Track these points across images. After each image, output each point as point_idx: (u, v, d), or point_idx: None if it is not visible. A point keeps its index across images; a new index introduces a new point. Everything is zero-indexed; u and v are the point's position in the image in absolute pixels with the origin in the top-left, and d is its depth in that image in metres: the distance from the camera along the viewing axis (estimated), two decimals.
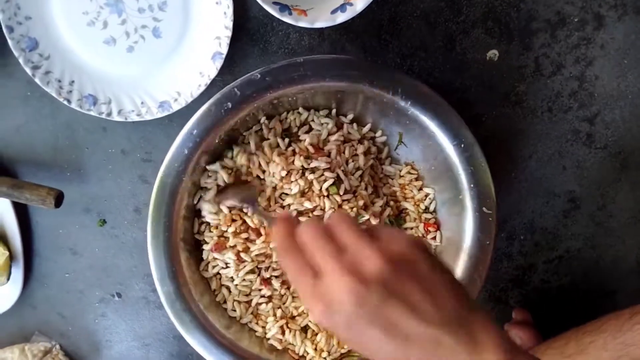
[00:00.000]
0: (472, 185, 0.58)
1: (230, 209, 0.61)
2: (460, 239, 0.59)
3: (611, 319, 0.59)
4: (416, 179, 0.66)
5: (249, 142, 0.62)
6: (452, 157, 0.59)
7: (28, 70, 0.63)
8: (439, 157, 0.60)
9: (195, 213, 0.63)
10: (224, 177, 0.60)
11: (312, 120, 0.63)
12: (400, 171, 0.66)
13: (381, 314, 0.34)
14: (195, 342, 0.60)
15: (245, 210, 0.61)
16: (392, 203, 0.66)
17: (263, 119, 0.62)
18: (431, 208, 0.66)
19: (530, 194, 0.71)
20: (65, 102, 0.64)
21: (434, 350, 0.34)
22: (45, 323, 0.79)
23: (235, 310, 0.64)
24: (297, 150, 0.61)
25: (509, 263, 0.74)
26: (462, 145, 0.58)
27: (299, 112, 0.63)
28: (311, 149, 0.61)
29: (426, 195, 0.66)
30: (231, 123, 0.58)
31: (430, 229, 0.64)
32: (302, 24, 0.57)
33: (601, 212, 0.72)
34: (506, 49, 0.65)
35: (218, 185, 0.61)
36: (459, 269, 0.58)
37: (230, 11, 0.61)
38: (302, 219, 0.61)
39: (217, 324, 0.62)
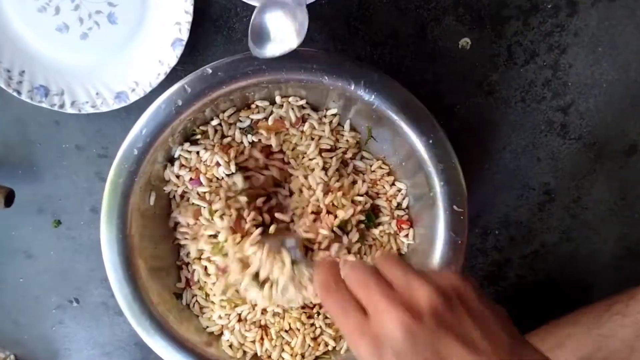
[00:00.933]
0: (442, 183, 0.56)
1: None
2: (432, 237, 0.56)
3: (588, 311, 0.58)
4: (388, 174, 0.63)
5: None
6: (422, 154, 0.56)
7: None
8: (409, 153, 0.58)
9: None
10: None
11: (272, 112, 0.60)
12: (371, 166, 0.63)
13: (434, 347, 0.33)
14: (157, 345, 0.57)
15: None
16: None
17: (223, 115, 0.59)
18: (404, 204, 0.63)
19: (505, 186, 0.69)
20: (15, 94, 0.60)
21: None
22: None
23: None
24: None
25: (484, 259, 0.72)
26: (431, 142, 0.55)
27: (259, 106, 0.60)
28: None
29: (398, 191, 0.63)
30: (183, 120, 0.55)
31: (404, 225, 0.62)
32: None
33: (576, 205, 0.71)
34: (478, 37, 0.63)
35: None
36: (433, 268, 0.56)
37: None
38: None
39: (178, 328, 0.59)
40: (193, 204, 0.59)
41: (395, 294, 0.35)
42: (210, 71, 0.53)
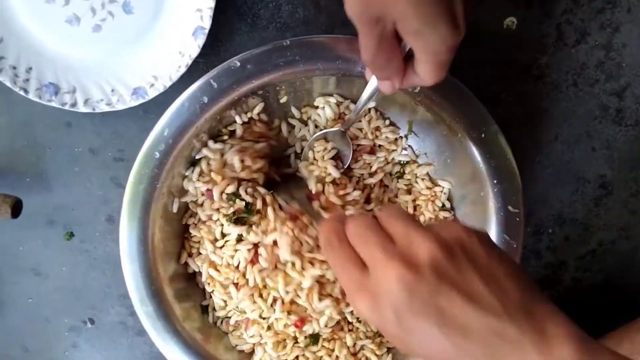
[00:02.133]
0: (495, 182, 0.52)
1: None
2: None
3: None
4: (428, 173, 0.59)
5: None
6: (472, 150, 0.52)
7: None
8: (456, 149, 0.54)
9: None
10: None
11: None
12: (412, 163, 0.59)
13: (434, 303, 0.31)
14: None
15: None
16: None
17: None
18: (447, 205, 0.59)
19: (558, 180, 0.64)
20: (22, 93, 0.57)
21: (495, 345, 0.31)
22: (5, 357, 0.70)
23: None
24: None
25: (537, 261, 0.67)
26: (483, 135, 0.51)
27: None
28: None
29: (441, 191, 0.59)
30: (209, 118, 0.51)
31: None
32: None
33: (635, 199, 0.66)
34: (524, 17, 0.59)
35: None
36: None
37: None
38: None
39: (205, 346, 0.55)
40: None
41: (394, 247, 0.34)
42: (238, 64, 0.50)
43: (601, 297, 0.68)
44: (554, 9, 0.59)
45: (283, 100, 0.56)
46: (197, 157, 0.54)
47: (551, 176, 0.64)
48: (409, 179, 0.60)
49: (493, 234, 0.53)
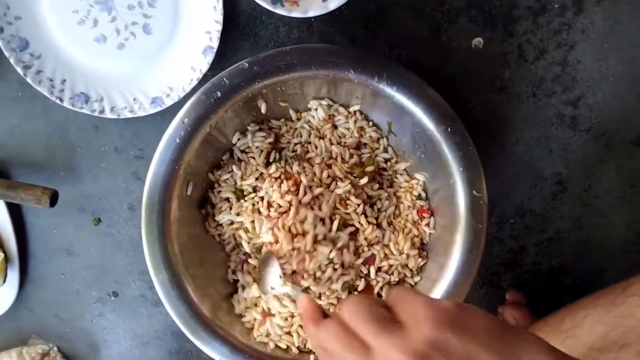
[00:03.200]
0: (461, 170, 0.59)
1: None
2: (453, 224, 0.59)
3: (605, 293, 0.61)
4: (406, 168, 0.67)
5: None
6: (440, 143, 0.59)
7: (19, 70, 0.63)
8: (428, 144, 0.61)
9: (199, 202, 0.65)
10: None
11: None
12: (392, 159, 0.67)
13: None
14: (190, 331, 0.60)
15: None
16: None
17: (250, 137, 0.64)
18: (423, 195, 0.67)
19: (519, 178, 0.72)
20: (58, 101, 0.64)
21: None
22: (42, 326, 0.79)
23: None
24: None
25: (501, 247, 0.76)
26: (450, 130, 0.58)
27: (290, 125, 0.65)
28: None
29: (417, 183, 0.67)
30: (221, 113, 0.59)
31: (425, 215, 0.65)
32: (295, 14, 0.58)
33: (588, 193, 0.74)
34: (490, 37, 0.67)
35: None
36: (454, 254, 0.59)
37: (220, 5, 0.62)
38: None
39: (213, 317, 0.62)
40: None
41: (402, 332, 0.33)
42: (247, 65, 0.57)
43: (557, 280, 0.77)
44: (515, 30, 0.67)
45: (283, 104, 0.64)
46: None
47: (513, 174, 0.72)
48: (390, 174, 0.68)
49: (461, 217, 0.59)
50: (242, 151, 0.65)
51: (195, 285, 0.61)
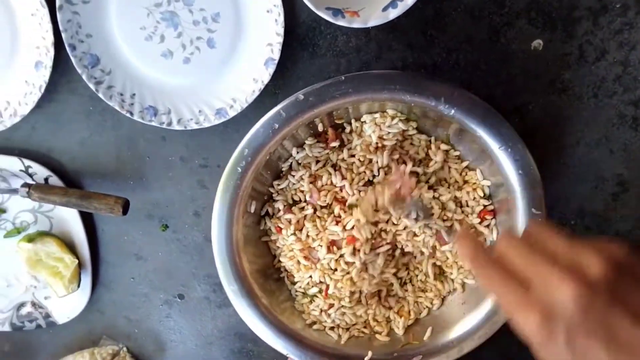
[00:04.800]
0: (521, 189, 0.60)
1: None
2: None
3: None
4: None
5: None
6: (501, 160, 0.60)
7: (91, 86, 0.66)
8: (490, 161, 0.62)
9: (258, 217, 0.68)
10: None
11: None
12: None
13: (606, 323, 0.31)
14: (262, 332, 0.65)
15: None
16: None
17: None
18: (487, 193, 0.67)
19: (579, 179, 0.72)
20: (128, 115, 0.67)
21: None
22: (112, 327, 0.83)
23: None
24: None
25: None
26: (510, 150, 0.59)
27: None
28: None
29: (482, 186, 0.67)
30: (278, 140, 0.62)
31: (487, 216, 0.66)
32: (356, 24, 0.59)
33: None
34: (550, 38, 0.66)
35: None
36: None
37: (281, 18, 0.63)
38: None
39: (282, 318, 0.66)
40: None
41: (561, 263, 0.33)
42: (302, 97, 0.60)
43: None
44: (576, 31, 0.66)
45: (339, 121, 0.66)
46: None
47: (573, 175, 0.71)
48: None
49: (520, 232, 0.60)
50: (299, 163, 0.67)
51: (262, 291, 0.65)
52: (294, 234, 0.66)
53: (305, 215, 0.66)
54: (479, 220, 0.66)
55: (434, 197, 0.66)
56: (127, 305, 0.81)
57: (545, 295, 0.33)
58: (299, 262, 0.67)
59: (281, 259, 0.69)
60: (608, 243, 0.34)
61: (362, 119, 0.66)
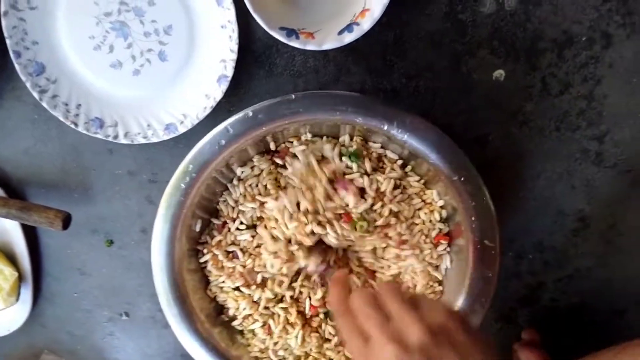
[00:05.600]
0: (473, 219, 0.58)
1: None
2: (464, 270, 0.59)
3: (627, 347, 0.58)
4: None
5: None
6: (454, 190, 0.58)
7: (35, 95, 0.63)
8: (443, 189, 0.60)
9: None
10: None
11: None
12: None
13: None
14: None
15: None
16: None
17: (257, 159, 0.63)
18: (443, 216, 0.64)
19: (539, 213, 0.70)
20: (72, 126, 0.64)
21: None
22: (54, 342, 0.80)
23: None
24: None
25: (518, 282, 0.74)
26: (463, 179, 0.57)
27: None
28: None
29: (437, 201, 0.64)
30: (225, 157, 0.59)
31: (442, 241, 0.63)
32: (310, 47, 0.57)
33: (611, 231, 0.71)
34: (513, 69, 0.64)
35: None
36: (462, 298, 0.58)
37: (235, 35, 0.61)
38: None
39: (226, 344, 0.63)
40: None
41: (390, 327, 0.41)
42: (251, 114, 0.57)
43: (576, 318, 0.74)
44: (539, 63, 0.64)
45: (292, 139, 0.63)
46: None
47: (534, 209, 0.70)
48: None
49: (471, 265, 0.58)
50: (240, 179, 0.64)
51: (205, 317, 0.63)
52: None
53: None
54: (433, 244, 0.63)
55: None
56: (71, 320, 0.79)
57: (374, 351, 0.41)
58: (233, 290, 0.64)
59: (212, 287, 0.66)
60: (431, 307, 0.43)
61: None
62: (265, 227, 0.61)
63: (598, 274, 0.73)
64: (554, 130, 0.67)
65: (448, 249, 0.63)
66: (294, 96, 0.57)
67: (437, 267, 0.63)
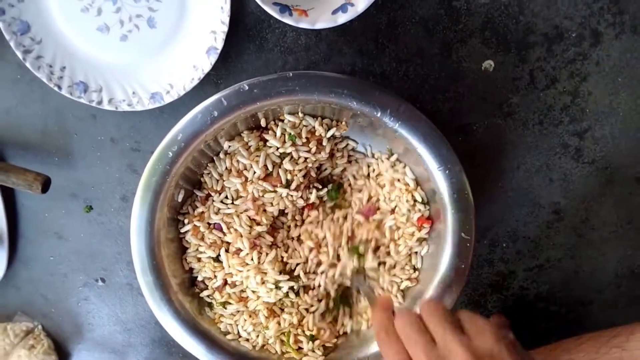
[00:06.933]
0: (453, 211, 0.59)
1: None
2: (437, 260, 0.60)
3: (590, 339, 0.61)
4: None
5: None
6: (437, 181, 0.59)
7: (19, 54, 0.62)
8: (426, 178, 0.61)
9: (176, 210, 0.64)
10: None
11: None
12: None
13: None
14: (173, 330, 0.62)
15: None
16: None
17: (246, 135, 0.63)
18: (425, 198, 0.64)
19: (516, 203, 0.72)
20: (56, 88, 0.63)
21: None
22: (28, 304, 0.79)
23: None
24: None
25: (490, 269, 0.75)
26: (448, 172, 0.58)
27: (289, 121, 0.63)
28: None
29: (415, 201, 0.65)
30: (216, 129, 0.58)
31: (425, 224, 0.63)
32: (303, 25, 0.57)
33: (584, 225, 0.73)
34: (502, 60, 0.65)
35: None
36: (433, 287, 0.59)
37: (227, 6, 0.60)
38: None
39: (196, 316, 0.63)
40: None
41: (436, 353, 0.40)
42: (246, 87, 0.56)
43: (543, 306, 0.77)
44: (529, 56, 0.65)
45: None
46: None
47: (510, 199, 0.71)
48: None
49: (447, 255, 0.59)
50: (227, 153, 0.64)
51: (178, 287, 0.62)
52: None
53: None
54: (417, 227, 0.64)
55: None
56: (45, 283, 0.78)
57: None
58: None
59: (188, 257, 0.65)
60: (480, 331, 0.41)
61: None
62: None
63: (568, 266, 0.75)
64: (537, 123, 0.68)
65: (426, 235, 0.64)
66: (291, 74, 0.56)
67: (415, 253, 0.65)
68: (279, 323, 0.63)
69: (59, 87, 0.63)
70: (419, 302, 0.61)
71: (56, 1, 0.62)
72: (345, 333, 0.67)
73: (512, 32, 0.64)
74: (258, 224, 0.63)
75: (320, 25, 0.57)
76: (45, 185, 0.65)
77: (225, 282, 0.65)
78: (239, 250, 0.63)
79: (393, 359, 0.42)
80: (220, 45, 0.61)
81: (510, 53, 0.65)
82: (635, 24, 0.63)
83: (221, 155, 0.63)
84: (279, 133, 0.62)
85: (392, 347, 0.43)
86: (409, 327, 0.43)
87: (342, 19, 0.57)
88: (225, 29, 0.61)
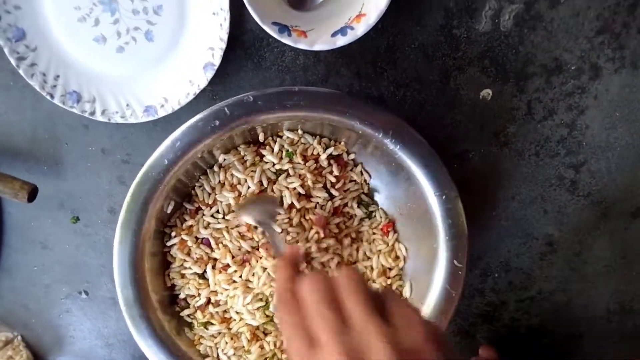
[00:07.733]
0: (447, 238, 0.58)
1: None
2: (428, 287, 0.59)
3: None
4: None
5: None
6: (433, 207, 0.58)
7: (12, 61, 0.61)
8: (420, 203, 0.60)
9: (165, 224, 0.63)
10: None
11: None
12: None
13: None
14: (148, 349, 0.60)
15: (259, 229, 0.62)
16: None
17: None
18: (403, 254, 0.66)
19: (509, 234, 0.71)
20: (48, 97, 0.62)
21: None
22: (9, 313, 0.78)
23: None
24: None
25: (481, 299, 0.74)
26: (444, 198, 0.57)
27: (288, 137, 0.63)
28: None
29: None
30: (215, 139, 0.57)
31: (389, 229, 0.65)
32: (301, 45, 0.56)
33: (577, 258, 0.72)
34: (500, 90, 0.64)
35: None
36: (422, 313, 0.58)
37: (226, 23, 0.59)
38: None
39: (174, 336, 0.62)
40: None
41: (348, 336, 0.32)
42: (251, 99, 0.55)
43: (534, 339, 0.76)
44: (527, 87, 0.64)
45: (281, 134, 0.63)
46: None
47: (504, 229, 0.71)
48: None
49: (438, 282, 0.58)
50: (222, 166, 0.63)
51: (157, 304, 0.61)
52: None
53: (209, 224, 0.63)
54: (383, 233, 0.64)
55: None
56: (27, 294, 0.76)
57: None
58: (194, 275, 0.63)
59: (172, 273, 0.64)
60: (404, 326, 0.33)
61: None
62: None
63: (559, 298, 0.74)
64: (534, 154, 0.67)
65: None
66: (297, 88, 0.56)
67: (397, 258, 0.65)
68: (261, 347, 0.62)
69: (52, 96, 0.62)
70: None
71: (53, 10, 0.61)
72: None
73: (511, 62, 0.63)
74: (250, 239, 0.62)
75: (318, 47, 0.56)
76: (32, 194, 0.63)
77: (209, 301, 0.64)
78: (227, 266, 0.62)
79: (289, 331, 0.34)
80: (217, 61, 0.61)
81: (508, 83, 0.64)
82: (635, 59, 0.63)
83: (215, 168, 0.63)
84: (276, 149, 0.62)
85: (292, 316, 0.34)
86: (317, 295, 0.34)
87: (341, 41, 0.56)
88: (224, 45, 0.60)
